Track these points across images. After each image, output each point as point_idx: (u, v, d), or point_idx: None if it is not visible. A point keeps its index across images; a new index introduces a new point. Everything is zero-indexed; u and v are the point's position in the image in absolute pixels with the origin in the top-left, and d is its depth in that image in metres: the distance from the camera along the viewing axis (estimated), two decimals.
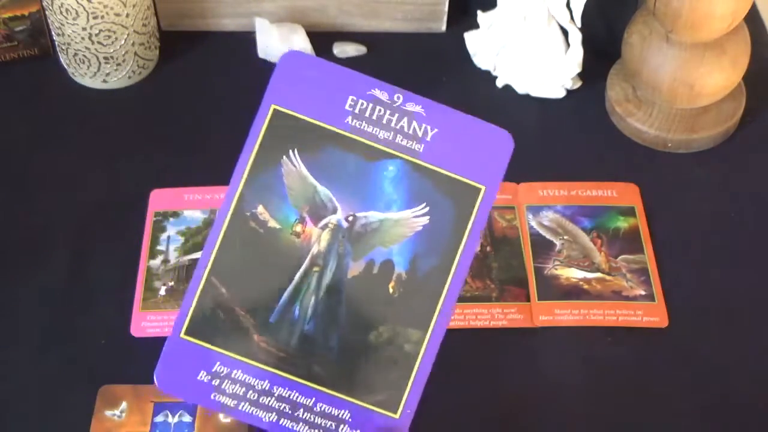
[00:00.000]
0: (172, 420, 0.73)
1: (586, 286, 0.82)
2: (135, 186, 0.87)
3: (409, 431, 0.59)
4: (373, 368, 0.55)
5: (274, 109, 0.57)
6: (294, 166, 0.56)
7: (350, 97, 0.57)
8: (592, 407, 0.76)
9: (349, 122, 0.56)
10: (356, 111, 0.57)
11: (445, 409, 0.75)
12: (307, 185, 0.56)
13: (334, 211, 0.56)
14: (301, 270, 0.56)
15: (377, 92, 0.57)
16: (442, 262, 0.56)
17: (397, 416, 0.55)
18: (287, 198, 0.56)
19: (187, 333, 0.56)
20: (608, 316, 0.80)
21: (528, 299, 0.81)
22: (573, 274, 0.82)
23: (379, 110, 0.57)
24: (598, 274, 0.83)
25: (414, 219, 0.56)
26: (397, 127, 0.56)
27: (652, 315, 0.80)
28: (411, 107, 0.57)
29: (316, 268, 0.56)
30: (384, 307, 0.56)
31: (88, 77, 0.93)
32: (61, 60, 0.95)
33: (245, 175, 0.56)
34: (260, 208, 0.56)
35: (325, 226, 0.56)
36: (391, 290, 0.56)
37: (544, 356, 0.79)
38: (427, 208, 0.56)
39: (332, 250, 0.56)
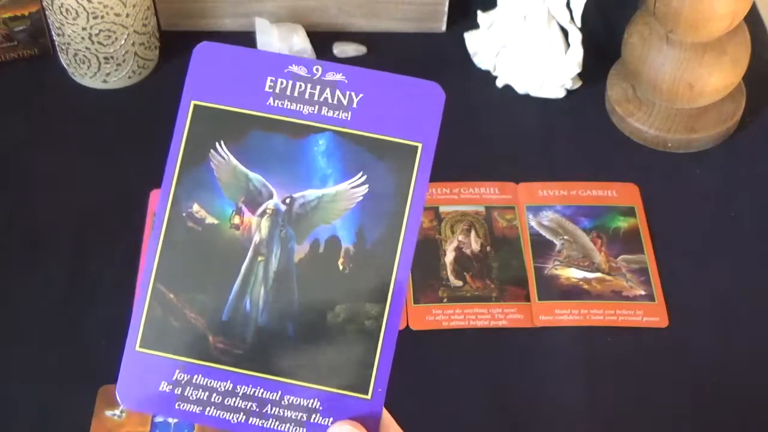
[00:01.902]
0: (172, 420, 0.73)
1: (586, 286, 0.82)
2: (135, 186, 0.87)
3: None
4: (335, 351, 0.53)
5: (195, 105, 0.56)
6: (222, 158, 0.55)
7: (269, 78, 0.55)
8: (592, 407, 0.76)
9: (271, 103, 0.55)
10: (276, 91, 0.55)
11: (445, 409, 0.75)
12: (238, 175, 0.55)
13: (270, 196, 0.55)
14: (246, 261, 0.54)
15: (295, 68, 0.55)
16: (389, 229, 0.54)
17: (368, 397, 0.54)
18: (221, 191, 0.55)
19: (141, 345, 0.54)
20: (608, 316, 0.80)
21: (528, 299, 0.81)
22: (573, 274, 0.82)
23: (300, 86, 0.55)
24: (598, 274, 0.83)
25: (353, 190, 0.54)
26: (321, 99, 0.55)
27: (652, 315, 0.80)
28: (332, 77, 0.55)
29: (260, 258, 0.54)
30: (336, 285, 0.54)
31: (88, 77, 0.93)
32: (61, 60, 0.94)
33: (175, 177, 0.55)
34: (195, 207, 0.55)
35: (263, 212, 0.54)
36: (341, 267, 0.54)
37: (544, 356, 0.79)
38: (365, 177, 0.54)
39: (274, 237, 0.54)
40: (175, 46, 0.97)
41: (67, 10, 0.88)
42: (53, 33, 0.93)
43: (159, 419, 0.73)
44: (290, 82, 0.55)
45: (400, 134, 0.55)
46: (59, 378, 0.76)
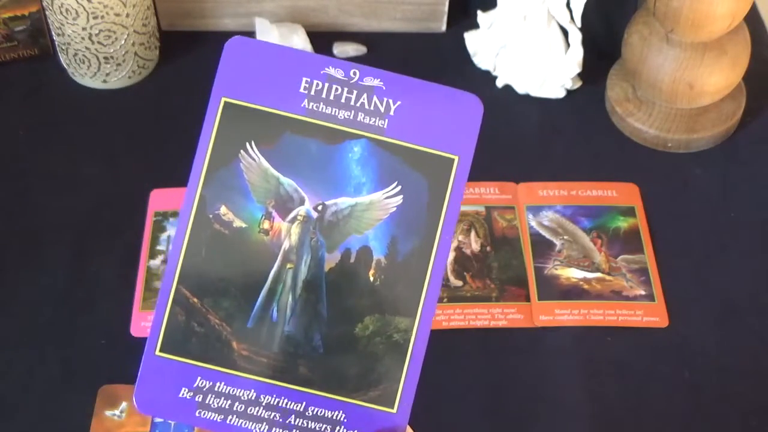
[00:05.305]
0: (172, 420, 0.73)
1: (586, 286, 0.82)
2: (135, 186, 0.87)
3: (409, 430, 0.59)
4: (362, 363, 0.53)
5: (225, 102, 0.54)
6: (253, 160, 0.53)
7: (304, 79, 0.53)
8: (592, 407, 0.76)
9: (306, 106, 0.53)
10: (312, 93, 0.53)
11: (446, 409, 0.75)
12: (269, 178, 0.53)
13: (302, 202, 0.53)
14: (274, 268, 0.53)
15: (332, 70, 0.54)
16: (422, 242, 0.53)
17: (394, 411, 0.53)
18: (250, 194, 0.53)
19: (162, 350, 0.53)
20: (608, 316, 0.80)
21: (528, 299, 0.81)
22: (573, 274, 0.82)
23: (336, 89, 0.53)
24: (598, 274, 0.83)
25: (387, 200, 0.53)
26: (358, 104, 0.53)
27: (652, 315, 0.80)
28: (369, 82, 0.53)
29: (289, 265, 0.53)
30: (366, 297, 0.53)
31: (88, 77, 0.93)
32: (61, 60, 0.94)
33: (202, 176, 0.53)
34: (223, 209, 0.53)
35: (294, 219, 0.53)
36: (371, 278, 0.53)
37: (544, 356, 0.79)
38: (400, 187, 0.53)
39: (304, 244, 0.53)
40: (175, 46, 0.97)
41: (67, 10, 0.88)
42: (53, 33, 0.93)
43: (158, 419, 0.73)
44: (326, 85, 0.54)
45: (437, 146, 0.54)
46: (59, 378, 0.76)
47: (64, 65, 0.94)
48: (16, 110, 0.93)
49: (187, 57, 0.97)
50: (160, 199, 0.85)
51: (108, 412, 0.73)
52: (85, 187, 0.87)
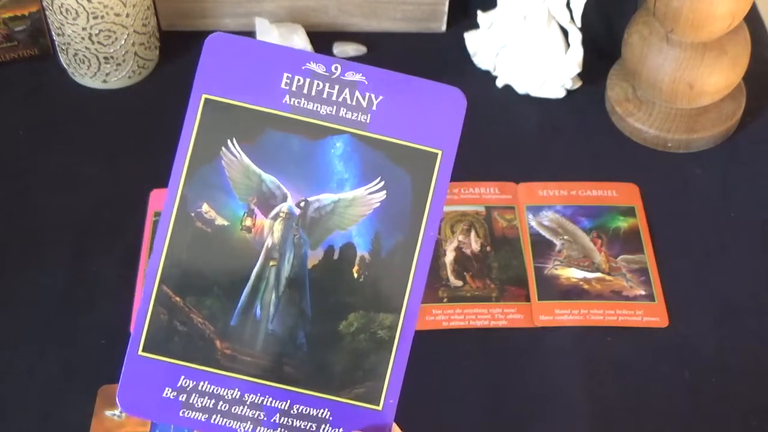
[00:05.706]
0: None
1: (586, 286, 0.82)
2: (135, 186, 0.87)
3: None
4: (347, 361, 0.52)
5: (206, 99, 0.54)
6: (234, 157, 0.53)
7: (285, 75, 0.53)
8: (592, 407, 0.76)
9: (287, 101, 0.53)
10: (293, 88, 0.53)
11: (446, 409, 0.75)
12: (251, 175, 0.53)
13: (284, 199, 0.53)
14: (257, 266, 0.53)
15: (313, 65, 0.54)
16: (406, 238, 0.53)
17: (379, 408, 0.53)
18: (232, 192, 0.53)
19: (144, 350, 0.52)
20: (608, 316, 0.80)
21: (528, 299, 0.81)
22: (573, 274, 0.82)
23: (318, 84, 0.53)
24: (598, 274, 0.83)
25: (370, 196, 0.53)
26: (340, 99, 0.53)
27: (652, 315, 0.80)
28: (351, 76, 0.53)
29: (272, 263, 0.53)
30: (350, 293, 0.53)
31: (88, 77, 0.93)
32: (61, 60, 0.94)
33: (183, 174, 0.53)
34: (205, 207, 0.53)
35: (277, 215, 0.53)
36: (355, 275, 0.53)
37: (544, 356, 0.79)
38: (383, 183, 0.53)
39: (287, 241, 0.53)
40: (175, 46, 0.97)
41: (67, 10, 0.88)
42: (53, 33, 0.93)
43: None
44: (307, 80, 0.53)
45: (420, 140, 0.53)
46: (59, 378, 0.76)
47: (64, 65, 0.95)
48: (16, 110, 0.93)
49: (187, 57, 0.97)
50: (160, 199, 0.85)
51: (108, 412, 0.73)
52: (85, 187, 0.87)
